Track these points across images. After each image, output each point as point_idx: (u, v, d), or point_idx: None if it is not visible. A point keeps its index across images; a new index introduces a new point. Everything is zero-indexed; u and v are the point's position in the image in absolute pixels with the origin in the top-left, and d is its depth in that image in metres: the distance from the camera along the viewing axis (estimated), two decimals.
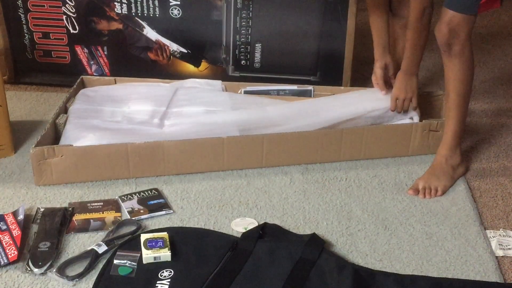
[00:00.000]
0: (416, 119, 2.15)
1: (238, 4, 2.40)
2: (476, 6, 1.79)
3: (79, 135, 1.95)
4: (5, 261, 1.55)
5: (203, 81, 2.36)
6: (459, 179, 1.99)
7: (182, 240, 1.64)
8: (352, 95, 2.23)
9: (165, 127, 2.09)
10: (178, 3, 2.40)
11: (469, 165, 2.07)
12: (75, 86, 2.27)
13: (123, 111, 2.16)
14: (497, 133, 2.32)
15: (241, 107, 2.17)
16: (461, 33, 1.80)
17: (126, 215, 1.76)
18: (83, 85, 2.33)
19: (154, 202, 1.83)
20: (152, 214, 1.77)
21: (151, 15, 2.42)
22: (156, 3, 2.40)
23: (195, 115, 2.14)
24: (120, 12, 2.42)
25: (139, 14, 2.42)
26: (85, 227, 1.71)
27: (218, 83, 2.33)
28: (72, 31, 2.46)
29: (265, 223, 1.71)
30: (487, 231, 1.75)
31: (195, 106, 2.18)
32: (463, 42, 1.82)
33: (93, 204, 1.81)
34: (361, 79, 2.59)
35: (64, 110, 2.14)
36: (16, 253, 1.57)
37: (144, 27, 2.44)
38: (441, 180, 1.94)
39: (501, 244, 1.69)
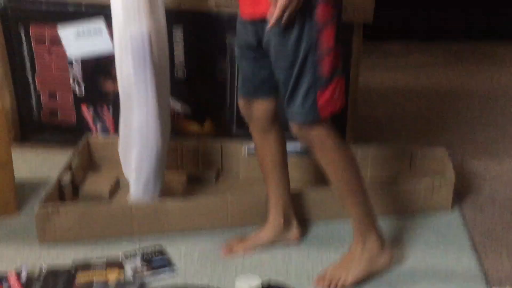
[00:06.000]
0: None
1: None
2: (315, 115, 1.54)
3: None
4: None
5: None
6: (462, 238, 1.97)
7: None
8: None
9: None
10: (183, 64, 2.44)
11: (393, 254, 1.80)
12: (79, 146, 2.30)
13: None
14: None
15: None
16: (313, 131, 1.59)
17: (129, 273, 1.75)
18: (87, 144, 2.36)
19: (157, 258, 1.82)
20: (156, 271, 1.76)
21: None
22: None
23: None
24: None
25: None
26: None
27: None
28: (78, 91, 2.50)
29: (269, 280, 1.70)
30: None
31: None
32: (317, 136, 1.60)
33: (97, 262, 1.80)
34: None
35: (69, 168, 2.15)
36: None
37: None
38: (351, 271, 1.72)
39: None
